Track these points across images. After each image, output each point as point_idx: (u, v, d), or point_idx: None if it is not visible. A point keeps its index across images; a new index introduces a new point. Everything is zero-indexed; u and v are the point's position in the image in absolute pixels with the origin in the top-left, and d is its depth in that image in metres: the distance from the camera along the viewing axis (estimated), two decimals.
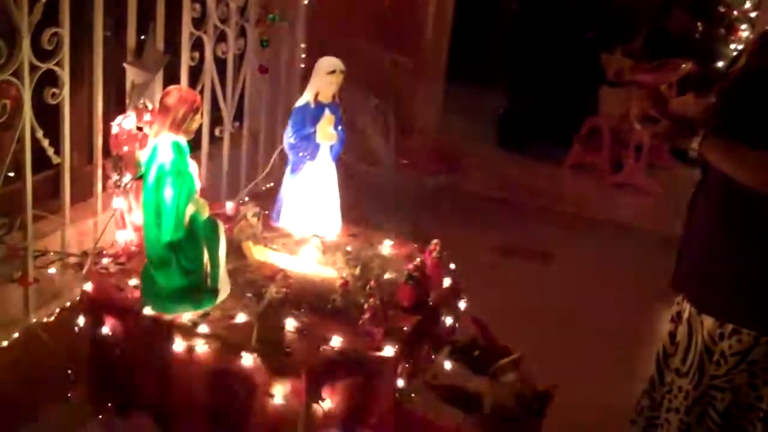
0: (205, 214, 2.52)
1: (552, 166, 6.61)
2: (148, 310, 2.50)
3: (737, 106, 2.15)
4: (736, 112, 2.15)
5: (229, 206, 3.22)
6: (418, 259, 2.80)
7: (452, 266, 2.99)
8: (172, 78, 3.32)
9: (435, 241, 2.87)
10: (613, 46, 6.52)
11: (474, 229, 5.09)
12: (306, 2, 4.33)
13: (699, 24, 7.01)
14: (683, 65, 6.35)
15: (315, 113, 3.03)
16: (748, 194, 2.13)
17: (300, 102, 3.07)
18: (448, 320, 2.80)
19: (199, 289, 2.50)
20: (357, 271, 2.79)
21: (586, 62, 6.57)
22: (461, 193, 5.54)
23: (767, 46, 2.16)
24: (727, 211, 2.25)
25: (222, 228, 2.57)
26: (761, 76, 2.11)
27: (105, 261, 2.76)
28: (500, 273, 4.63)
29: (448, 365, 2.69)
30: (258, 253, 2.81)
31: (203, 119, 3.54)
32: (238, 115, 3.96)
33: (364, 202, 4.72)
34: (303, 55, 4.36)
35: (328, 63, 3.03)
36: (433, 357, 2.70)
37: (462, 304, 2.92)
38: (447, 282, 2.87)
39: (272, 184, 3.98)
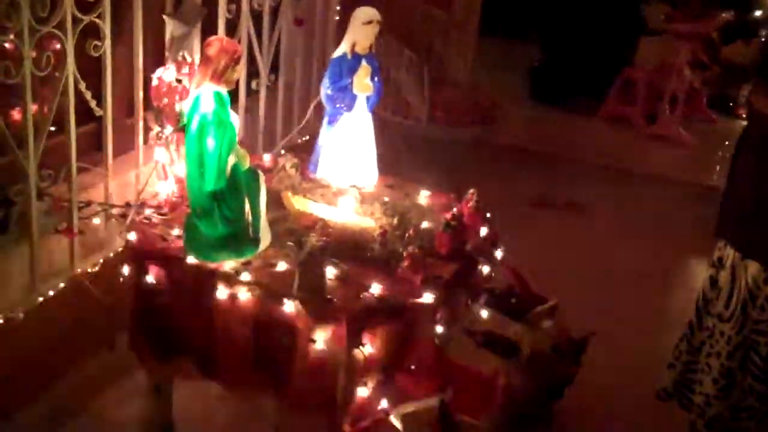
0: (246, 164, 2.53)
1: (586, 118, 6.55)
2: (191, 259, 2.53)
3: None
4: None
5: (267, 158, 3.23)
6: (455, 209, 2.80)
7: (488, 216, 2.99)
8: (209, 31, 3.31)
9: (471, 190, 2.87)
10: None
11: (508, 180, 5.08)
12: None
13: None
14: (722, 14, 6.24)
15: (352, 64, 3.02)
16: None
17: (337, 53, 3.06)
18: (485, 268, 2.81)
19: (240, 238, 2.53)
20: (395, 220, 2.80)
21: (621, 12, 6.46)
22: (495, 146, 5.52)
23: None
24: None
25: (263, 178, 2.59)
26: None
27: (148, 212, 2.79)
28: (535, 223, 4.62)
29: (485, 312, 2.71)
30: (297, 203, 2.82)
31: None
32: (274, 68, 3.95)
33: (398, 154, 4.76)
34: (338, 7, 4.32)
35: (365, 13, 3.01)
36: (470, 304, 2.72)
37: (499, 253, 2.92)
38: (484, 231, 2.87)
39: (308, 137, 4.00)
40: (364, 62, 3.03)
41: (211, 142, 2.39)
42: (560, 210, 4.98)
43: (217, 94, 2.43)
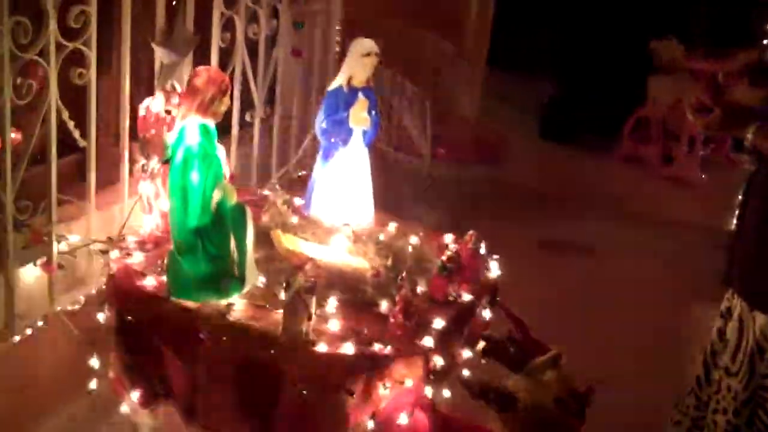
0: (233, 199, 2.54)
1: (597, 157, 6.58)
2: (174, 298, 2.53)
3: None
4: None
5: (260, 192, 3.24)
6: (453, 250, 2.80)
7: (489, 259, 2.99)
8: (201, 60, 3.36)
9: (471, 232, 2.87)
10: (665, 32, 6.45)
11: (513, 221, 5.08)
12: None
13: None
14: (744, 54, 6.28)
15: (348, 97, 3.04)
16: None
17: (333, 85, 3.08)
18: (484, 315, 2.80)
19: (225, 277, 2.52)
20: (389, 261, 2.80)
21: (636, 49, 6.51)
22: (501, 185, 5.54)
23: None
24: None
25: (249, 214, 2.59)
26: None
27: (131, 247, 2.79)
28: (541, 267, 4.62)
29: (482, 362, 2.69)
30: (287, 241, 2.83)
31: (233, 103, 3.58)
32: (270, 100, 3.98)
33: (398, 192, 4.78)
34: (338, 38, 4.37)
35: (363, 45, 3.03)
36: (466, 352, 2.71)
37: (498, 299, 2.91)
38: (483, 275, 2.87)
39: (304, 172, 4.02)
40: (361, 95, 3.05)
41: (195, 176, 2.41)
42: (567, 252, 4.98)
43: (203, 127, 2.45)
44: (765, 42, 6.71)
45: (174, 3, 3.25)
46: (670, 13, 6.63)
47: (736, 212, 2.43)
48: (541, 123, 6.94)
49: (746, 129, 2.15)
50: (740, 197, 2.43)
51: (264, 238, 2.83)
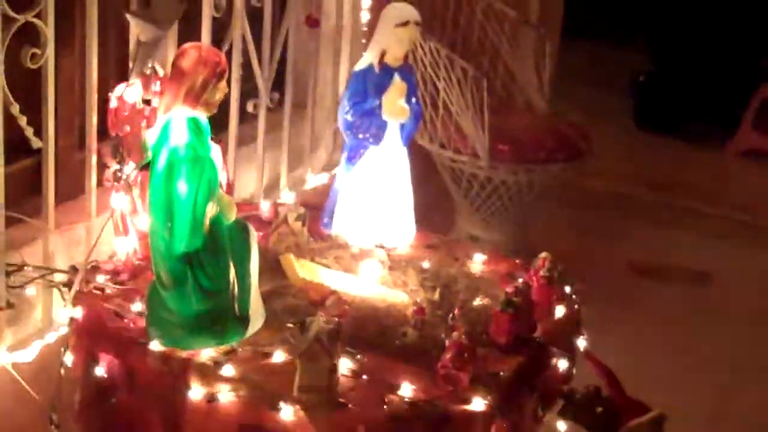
0: (232, 216, 2.56)
1: (711, 152, 6.54)
2: (156, 345, 2.54)
3: None
4: None
5: (266, 207, 3.26)
6: (521, 280, 2.80)
7: (568, 290, 2.98)
8: (189, 35, 3.39)
9: (544, 255, 2.87)
10: None
11: (601, 239, 5.07)
12: None
13: None
14: None
15: (380, 80, 3.06)
16: None
17: (360, 65, 3.10)
18: (562, 363, 2.79)
19: (223, 318, 2.54)
20: (436, 295, 2.80)
21: (760, 9, 6.47)
22: (583, 190, 5.53)
23: None
24: None
25: (254, 235, 2.61)
26: None
27: (100, 279, 2.82)
28: (638, 299, 4.60)
29: (561, 425, 2.67)
30: (303, 269, 2.84)
31: (231, 90, 3.60)
32: (279, 84, 4.01)
33: (447, 202, 4.78)
34: (367, 1, 4.39)
35: (398, 12, 3.05)
36: (540, 413, 2.69)
37: (582, 342, 2.91)
38: (560, 311, 2.86)
39: (324, 177, 4.03)
40: (397, 78, 3.07)
41: (183, 186, 2.42)
42: (676, 281, 4.95)
43: (193, 121, 2.46)
44: None
45: None
46: None
47: None
48: (635, 108, 6.91)
49: None
50: None
51: (273, 265, 2.84)
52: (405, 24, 3.03)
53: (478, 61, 5.07)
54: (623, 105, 6.95)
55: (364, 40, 4.21)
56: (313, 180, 4.14)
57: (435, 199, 4.53)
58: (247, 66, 3.79)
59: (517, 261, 3.10)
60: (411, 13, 3.05)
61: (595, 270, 4.65)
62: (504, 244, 4.47)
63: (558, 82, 6.11)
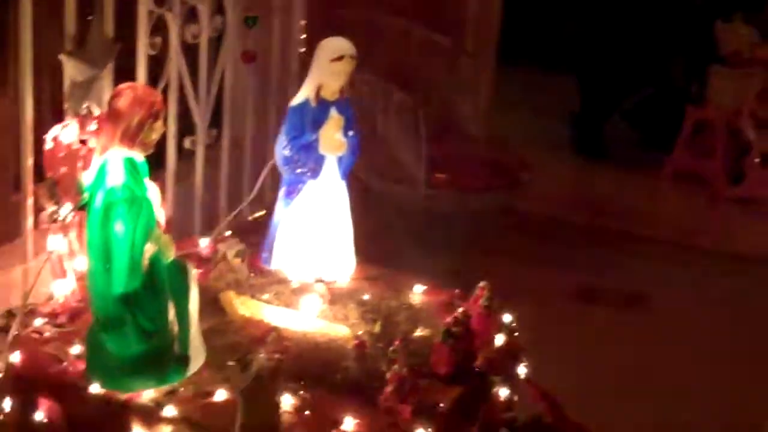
0: (171, 255, 2.55)
1: (647, 176, 6.60)
2: (95, 388, 2.52)
3: None
4: None
5: (205, 243, 3.25)
6: (460, 310, 2.81)
7: (508, 318, 3.00)
8: (125, 73, 3.37)
9: (482, 284, 2.89)
10: (732, 12, 6.54)
11: (540, 266, 5.08)
12: None
13: None
14: None
15: (317, 114, 3.08)
16: None
17: (297, 100, 3.11)
18: (503, 392, 2.80)
19: (163, 358, 2.52)
20: (377, 327, 2.81)
21: (692, 37, 6.58)
22: (522, 217, 5.55)
23: None
24: None
25: (193, 273, 2.60)
26: None
27: (38, 322, 2.79)
28: (578, 324, 4.62)
29: None
30: (243, 306, 2.83)
31: (168, 128, 3.59)
32: (216, 120, 4.00)
33: (388, 232, 4.78)
34: (302, 36, 4.40)
35: (334, 47, 3.07)
36: None
37: (522, 369, 2.92)
38: (500, 340, 2.87)
39: (263, 213, 4.02)
40: (333, 111, 3.09)
41: (120, 227, 2.41)
42: (611, 304, 4.98)
43: (129, 162, 2.46)
44: None
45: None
46: None
47: None
48: (572, 133, 6.97)
49: None
50: None
51: (213, 303, 2.83)
52: (340, 58, 3.05)
53: (416, 92, 5.10)
54: (560, 132, 7.00)
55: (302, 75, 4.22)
56: (253, 215, 4.13)
57: (375, 229, 4.52)
58: (183, 104, 3.78)
59: (457, 291, 3.11)
60: (346, 47, 3.07)
61: (538, 298, 4.67)
62: (444, 273, 4.48)
63: (495, 110, 6.17)
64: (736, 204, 6.30)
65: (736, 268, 5.38)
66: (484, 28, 6.06)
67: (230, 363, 2.59)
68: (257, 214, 3.85)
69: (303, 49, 4.36)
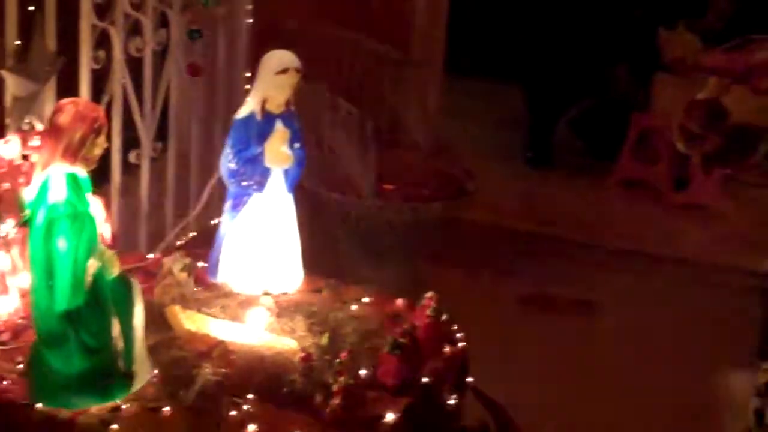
0: (115, 270, 2.53)
1: (593, 184, 6.64)
2: (39, 405, 2.50)
3: None
4: None
5: (150, 258, 3.23)
6: (407, 321, 2.81)
7: (455, 327, 3.01)
8: (68, 88, 3.35)
9: (429, 294, 2.89)
10: (676, 20, 6.61)
11: (488, 275, 5.10)
12: None
13: None
14: None
15: (263, 127, 3.07)
16: None
17: (242, 113, 3.10)
18: (451, 402, 2.81)
19: (107, 374, 2.50)
20: (324, 339, 2.80)
21: (636, 45, 6.64)
22: (469, 226, 5.56)
23: None
24: None
25: (137, 288, 2.58)
26: None
27: None
28: (524, 332, 4.64)
29: None
30: (188, 320, 2.82)
31: (112, 142, 3.57)
32: (161, 134, 3.98)
33: (336, 243, 4.78)
34: (247, 49, 4.40)
35: (278, 60, 3.07)
36: None
37: (470, 378, 2.93)
38: (448, 349, 2.88)
39: (210, 226, 4.01)
40: (279, 124, 3.08)
41: (63, 243, 2.40)
42: (560, 311, 5.02)
43: (72, 177, 2.44)
44: None
45: (30, 11, 3.24)
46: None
47: None
48: (520, 142, 7.01)
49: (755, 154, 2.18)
50: None
51: (158, 318, 2.81)
52: (285, 71, 3.05)
53: (363, 103, 5.10)
54: (507, 141, 7.04)
55: (247, 87, 4.22)
56: (199, 228, 4.12)
57: (323, 241, 4.52)
58: (128, 117, 3.76)
59: (404, 301, 3.11)
60: (291, 60, 3.06)
61: (485, 306, 4.70)
62: (393, 284, 4.48)
63: (443, 119, 6.20)
64: (682, 210, 6.36)
65: (681, 273, 5.44)
66: (431, 38, 6.09)
67: (176, 378, 2.58)
68: (203, 228, 3.84)
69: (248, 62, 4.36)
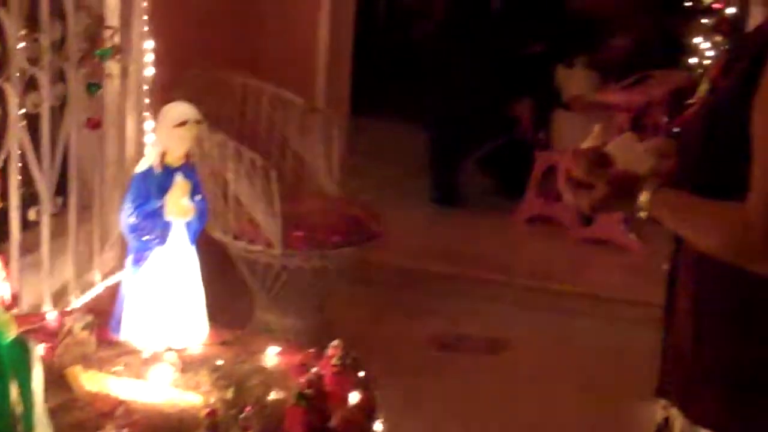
0: (11, 333, 2.47)
1: (501, 222, 6.73)
2: None
3: (700, 146, 2.21)
4: (701, 155, 2.22)
5: (52, 317, 3.17)
6: (313, 370, 2.80)
7: (363, 374, 3.00)
8: None
9: (334, 343, 2.88)
10: (573, 57, 6.76)
11: (398, 317, 5.13)
12: (147, 29, 4.35)
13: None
14: (671, 78, 6.62)
15: (162, 180, 3.04)
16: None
17: (141, 166, 3.07)
18: None
19: None
20: (229, 393, 2.76)
21: (535, 83, 6.77)
22: (379, 270, 5.59)
23: (734, 64, 2.23)
24: (711, 287, 2.27)
25: (36, 350, 2.52)
26: (730, 103, 2.16)
27: None
28: (436, 373, 4.66)
29: None
30: (89, 381, 2.76)
31: (8, 201, 3.52)
32: (62, 189, 3.93)
33: (246, 293, 4.76)
34: (147, 100, 4.37)
35: (176, 112, 3.04)
36: None
37: (379, 426, 2.92)
38: (355, 397, 2.87)
39: (114, 281, 3.95)
40: (179, 176, 3.05)
41: None
42: (474, 351, 5.05)
43: None
44: (692, 61, 7.13)
45: None
46: (578, 34, 6.94)
47: (664, 299, 2.48)
48: (427, 183, 7.08)
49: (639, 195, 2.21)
50: (666, 281, 2.48)
51: (59, 379, 2.75)
52: (183, 123, 3.02)
53: (268, 150, 5.09)
54: (415, 182, 7.09)
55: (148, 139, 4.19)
56: (103, 284, 4.06)
57: (232, 291, 4.49)
58: (26, 174, 3.70)
59: (311, 351, 3.09)
60: (189, 112, 3.04)
61: (396, 347, 4.71)
62: (303, 332, 4.47)
63: (350, 163, 6.21)
64: (587, 245, 6.46)
65: (588, 307, 5.52)
66: (335, 83, 6.11)
67: None
68: (105, 284, 3.80)
69: (149, 115, 4.33)
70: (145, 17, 4.28)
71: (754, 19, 6.26)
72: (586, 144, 2.31)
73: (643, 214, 2.21)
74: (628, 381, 4.55)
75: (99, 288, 4.01)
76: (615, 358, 4.86)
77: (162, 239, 3.06)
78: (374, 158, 7.11)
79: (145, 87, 4.34)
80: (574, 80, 6.78)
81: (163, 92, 4.19)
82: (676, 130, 2.40)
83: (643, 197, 2.20)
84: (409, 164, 7.25)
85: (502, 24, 6.88)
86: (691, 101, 2.33)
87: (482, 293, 5.60)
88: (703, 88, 2.29)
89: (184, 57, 4.77)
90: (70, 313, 3.15)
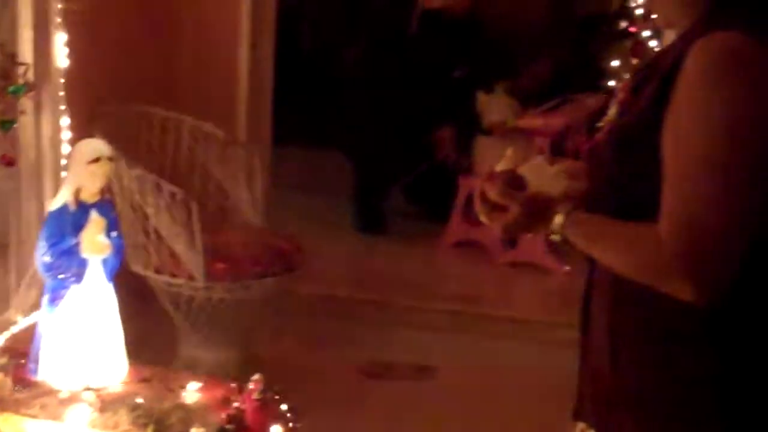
0: None
1: (427, 248, 6.74)
2: None
3: (612, 168, 2.23)
4: (613, 177, 2.24)
5: None
6: (235, 405, 2.79)
7: (285, 407, 2.99)
8: None
9: (255, 377, 2.88)
10: (493, 83, 6.82)
11: (325, 346, 5.10)
12: (63, 64, 4.30)
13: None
14: (591, 102, 6.68)
15: (77, 218, 3.04)
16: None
17: (55, 204, 3.05)
18: None
19: None
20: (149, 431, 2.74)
21: (456, 109, 6.82)
22: (304, 300, 5.56)
23: (644, 85, 2.25)
24: (627, 309, 2.28)
25: None
26: (641, 124, 2.19)
27: None
28: (365, 401, 4.64)
29: None
30: (5, 424, 2.72)
31: None
32: None
33: (169, 327, 4.70)
34: (67, 136, 4.31)
35: (89, 148, 3.05)
36: None
37: None
38: (277, 431, 2.86)
39: (30, 322, 3.89)
40: (94, 213, 3.04)
41: None
42: (402, 378, 5.04)
43: None
44: (611, 84, 7.23)
45: None
46: (498, 59, 7.01)
47: (579, 322, 2.49)
48: (351, 210, 7.07)
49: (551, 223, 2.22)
50: (581, 302, 2.49)
51: None
52: (96, 160, 3.03)
53: (189, 183, 5.05)
54: (339, 209, 7.09)
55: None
56: (21, 323, 3.99)
57: (153, 327, 4.44)
58: None
59: (233, 385, 3.08)
60: (102, 148, 3.05)
61: (324, 377, 4.68)
62: (229, 364, 4.43)
63: (272, 193, 6.19)
64: (512, 268, 6.50)
65: (512, 330, 5.55)
66: (256, 113, 6.09)
67: None
68: (22, 324, 3.72)
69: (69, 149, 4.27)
70: (61, 53, 4.23)
71: (667, 41, 6.39)
72: (500, 167, 2.32)
73: (556, 237, 2.22)
74: (553, 404, 4.58)
75: (17, 327, 3.94)
76: (540, 381, 4.86)
77: (78, 277, 3.05)
78: (297, 188, 7.09)
79: (63, 122, 4.28)
80: (495, 106, 6.83)
81: (80, 127, 4.14)
82: (584, 152, 2.42)
83: (557, 220, 2.21)
84: (333, 193, 7.24)
85: (421, 50, 6.91)
86: (600, 124, 2.36)
87: (409, 320, 5.60)
88: (613, 111, 2.31)
89: (101, 91, 4.73)
90: None
